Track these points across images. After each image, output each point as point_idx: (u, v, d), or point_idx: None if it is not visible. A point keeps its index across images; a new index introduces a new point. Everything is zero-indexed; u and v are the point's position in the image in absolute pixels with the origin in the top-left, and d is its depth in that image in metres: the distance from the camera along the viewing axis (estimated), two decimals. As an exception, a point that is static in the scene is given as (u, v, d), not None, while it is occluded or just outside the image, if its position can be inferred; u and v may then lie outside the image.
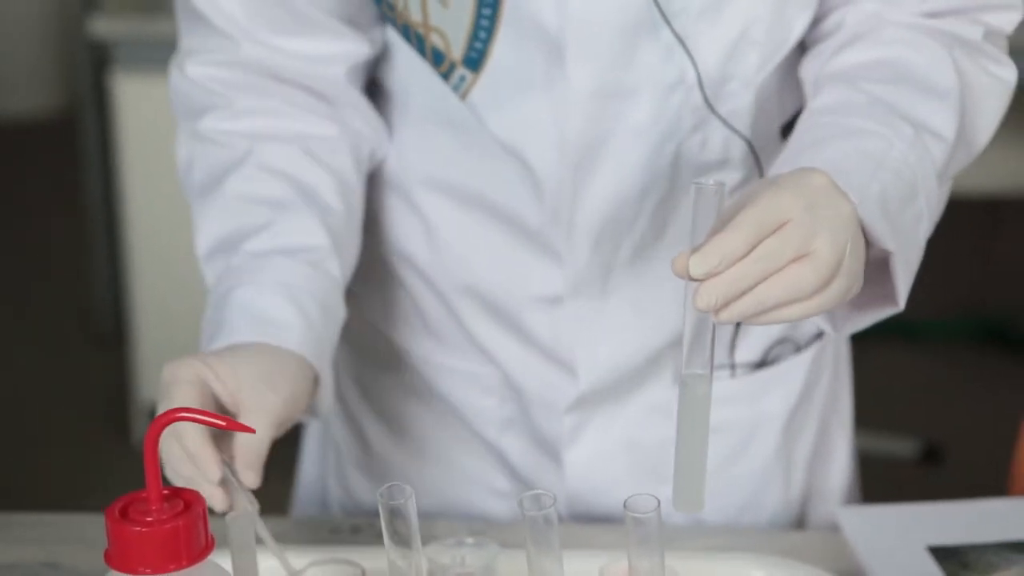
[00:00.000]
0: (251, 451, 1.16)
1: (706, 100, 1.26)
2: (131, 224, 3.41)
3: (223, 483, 1.15)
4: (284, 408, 1.18)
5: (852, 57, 1.24)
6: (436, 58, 1.28)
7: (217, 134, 1.32)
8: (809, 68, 1.28)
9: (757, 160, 1.31)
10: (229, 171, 1.30)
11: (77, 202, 4.12)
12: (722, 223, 1.04)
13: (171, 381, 1.16)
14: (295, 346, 1.22)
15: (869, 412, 2.14)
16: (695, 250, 1.02)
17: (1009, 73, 1.26)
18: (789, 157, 1.16)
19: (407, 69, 1.33)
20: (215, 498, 1.14)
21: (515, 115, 1.27)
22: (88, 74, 3.73)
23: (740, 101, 1.28)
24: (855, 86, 1.21)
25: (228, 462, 1.16)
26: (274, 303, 1.24)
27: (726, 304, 1.03)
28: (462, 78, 1.28)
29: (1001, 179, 4.57)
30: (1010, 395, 2.65)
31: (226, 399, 1.17)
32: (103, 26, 3.36)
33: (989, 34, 1.26)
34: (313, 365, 1.23)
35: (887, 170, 1.14)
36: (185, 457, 1.15)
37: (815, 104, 1.23)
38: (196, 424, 1.12)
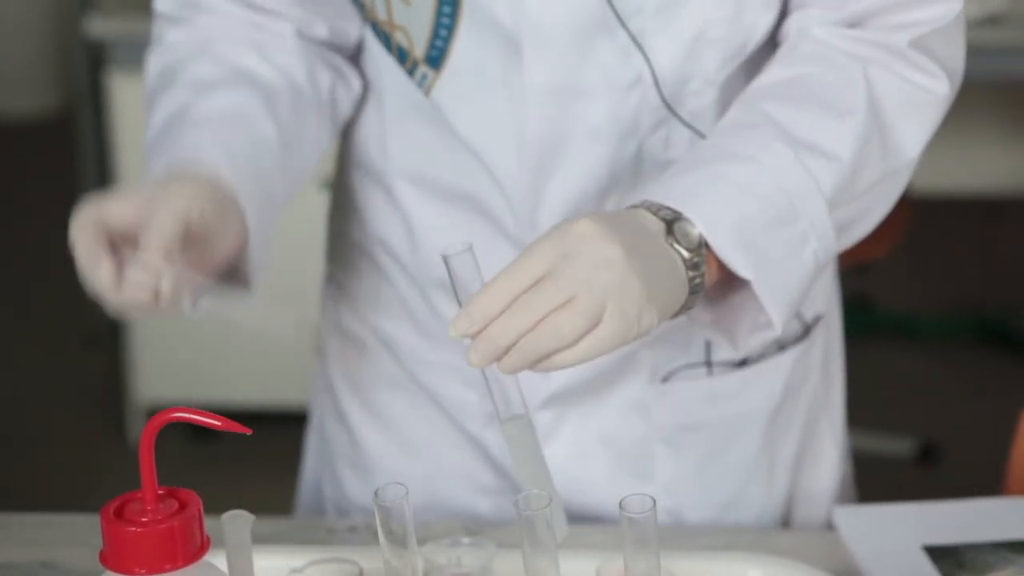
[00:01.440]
0: (157, 232, 1.14)
1: (663, 100, 1.26)
2: (128, 223, 3.41)
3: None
4: (195, 199, 1.16)
5: (769, 76, 1.25)
6: (401, 56, 1.30)
7: (176, 43, 1.35)
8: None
9: None
10: (176, 69, 1.32)
11: (74, 201, 4.10)
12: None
13: (72, 239, 1.18)
14: (221, 175, 1.22)
15: (866, 411, 2.15)
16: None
17: (937, 84, 1.25)
18: (663, 179, 1.19)
19: (381, 64, 1.34)
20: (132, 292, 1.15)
21: (476, 114, 1.29)
22: (85, 73, 3.73)
23: (703, 100, 1.28)
24: (753, 106, 1.23)
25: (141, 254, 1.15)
26: (203, 149, 1.24)
27: (495, 359, 1.08)
28: (424, 76, 1.29)
29: (1001, 179, 4.58)
30: (1008, 395, 2.65)
31: (129, 221, 1.16)
32: (100, 25, 3.36)
33: (919, 41, 1.25)
34: (237, 196, 1.22)
35: (753, 196, 1.17)
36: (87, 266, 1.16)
37: (719, 123, 1.24)
38: (84, 226, 1.15)
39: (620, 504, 1.00)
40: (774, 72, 1.25)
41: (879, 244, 3.19)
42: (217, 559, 0.98)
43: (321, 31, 1.36)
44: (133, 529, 0.91)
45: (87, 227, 1.17)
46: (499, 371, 1.09)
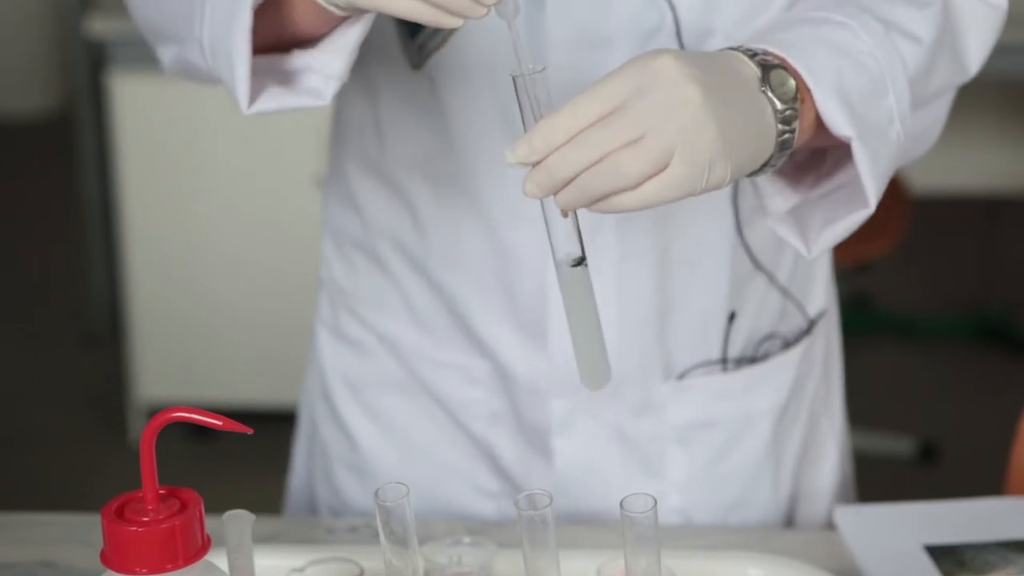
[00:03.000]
0: None
1: (683, 47, 1.24)
2: (127, 223, 3.41)
3: None
4: None
5: None
6: None
7: None
8: None
9: None
10: None
11: (73, 201, 4.11)
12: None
13: None
14: None
15: (866, 411, 2.15)
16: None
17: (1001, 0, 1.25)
18: (757, 34, 1.14)
19: (375, 54, 1.32)
20: None
21: (491, 67, 1.26)
22: (85, 73, 3.73)
23: None
24: None
25: None
26: None
27: (552, 191, 1.03)
28: (432, 34, 1.27)
29: (1001, 178, 4.58)
30: (1008, 394, 2.65)
31: None
32: (100, 25, 3.36)
33: None
34: None
35: (849, 58, 1.12)
36: None
37: (792, 11, 1.20)
38: None
39: (621, 503, 1.00)
40: None
41: (879, 243, 3.19)
42: (218, 559, 0.98)
43: None
44: (134, 529, 0.91)
45: None
46: (555, 205, 1.04)
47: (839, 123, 1.09)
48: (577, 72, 1.25)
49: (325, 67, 1.17)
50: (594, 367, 1.10)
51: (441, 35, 1.28)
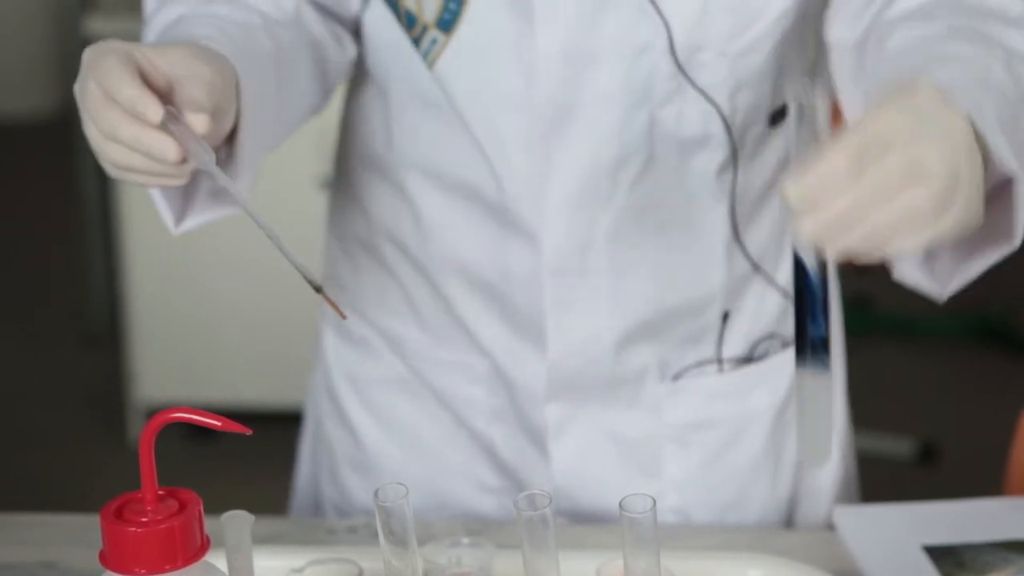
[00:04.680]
0: (195, 102, 1.09)
1: (677, 64, 1.25)
2: (126, 223, 3.41)
3: (165, 127, 1.08)
4: (220, 79, 1.12)
5: (908, 3, 1.19)
6: (409, 21, 1.29)
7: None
8: (847, 28, 1.24)
9: (731, 137, 1.30)
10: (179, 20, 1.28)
11: (72, 202, 4.11)
12: (822, 146, 0.96)
13: (96, 55, 1.10)
14: (219, 47, 1.18)
15: (866, 411, 2.14)
16: (795, 178, 0.94)
17: None
18: (886, 83, 1.10)
19: (383, 51, 1.34)
20: (163, 144, 1.07)
21: (484, 80, 1.28)
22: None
23: (716, 73, 1.27)
24: (931, 18, 1.15)
25: (171, 109, 1.09)
26: (206, 31, 1.20)
27: (832, 236, 0.95)
28: (433, 41, 1.28)
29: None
30: (1007, 394, 2.65)
31: (156, 79, 1.10)
32: (99, 26, 3.36)
33: None
34: (237, 76, 1.17)
35: (994, 89, 1.07)
36: (119, 113, 1.08)
37: (891, 45, 1.15)
38: (125, 72, 1.07)
39: (620, 504, 1.00)
40: (913, 1, 1.18)
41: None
42: (217, 559, 0.98)
43: None
44: (133, 529, 0.90)
45: (128, 71, 1.08)
46: (823, 255, 0.96)
47: (1006, 158, 1.04)
48: (566, 85, 1.25)
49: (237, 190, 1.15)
50: (819, 445, 1.03)
51: (438, 45, 1.28)
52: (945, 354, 3.97)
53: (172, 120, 1.09)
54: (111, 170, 1.13)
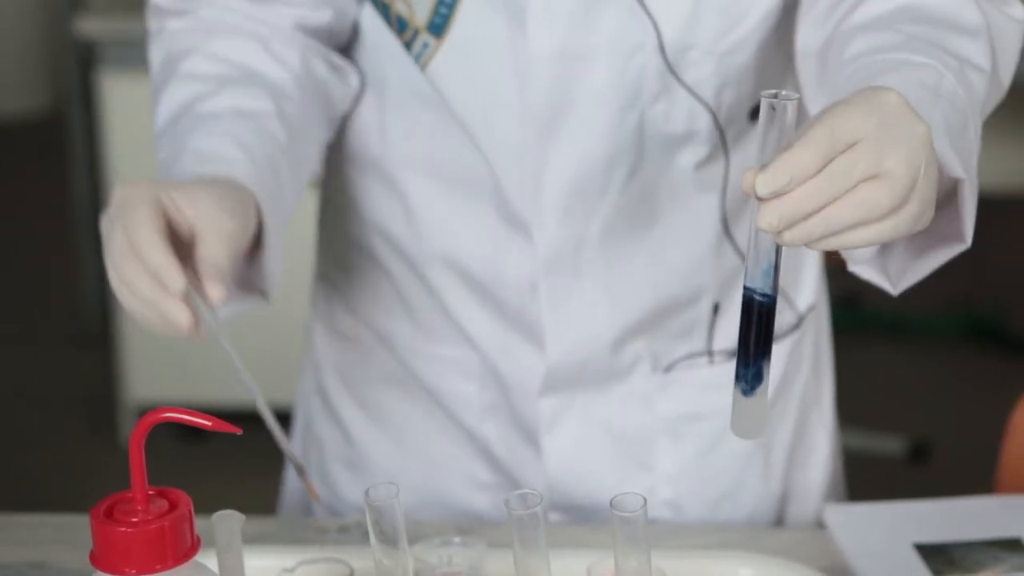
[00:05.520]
0: (214, 266, 1.14)
1: (667, 64, 1.26)
2: (118, 224, 3.41)
3: (186, 297, 1.12)
4: (241, 232, 1.17)
5: (871, 9, 1.22)
6: (400, 26, 1.30)
7: (178, 31, 1.34)
8: (811, 35, 1.26)
9: (721, 133, 1.31)
10: (182, 57, 1.31)
11: (64, 202, 4.11)
12: (790, 142, 0.99)
13: (127, 200, 1.13)
14: (244, 179, 1.21)
15: (857, 409, 2.15)
16: (763, 167, 0.98)
17: (1019, 12, 1.25)
18: (844, 91, 1.10)
19: (378, 49, 1.34)
20: (180, 313, 1.12)
21: (475, 84, 1.28)
22: (75, 73, 3.73)
23: (702, 71, 1.27)
24: (889, 28, 1.19)
25: (188, 273, 1.13)
26: (223, 145, 1.23)
27: (791, 225, 0.98)
28: (425, 45, 1.29)
29: (991, 178, 4.58)
30: (998, 393, 2.65)
31: (181, 225, 1.14)
32: (90, 25, 3.36)
33: None
34: (260, 207, 1.21)
35: (943, 99, 1.11)
36: (143, 273, 1.11)
37: (850, 52, 1.19)
38: (154, 232, 1.10)
39: (611, 503, 1.00)
40: (877, 7, 1.21)
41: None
42: (208, 559, 0.98)
43: (325, 16, 1.35)
44: (123, 529, 0.90)
45: (157, 228, 1.12)
46: (779, 240, 0.99)
47: (953, 165, 1.08)
48: (559, 85, 1.26)
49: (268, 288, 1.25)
50: (752, 423, 1.05)
51: (430, 49, 1.29)
52: (936, 352, 3.98)
53: (187, 284, 1.13)
54: (119, 295, 1.15)
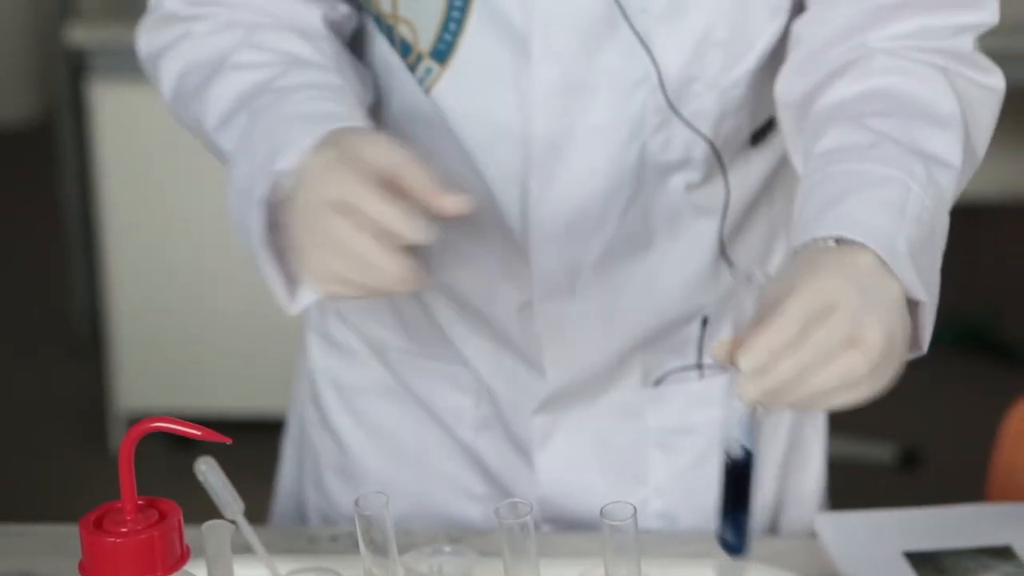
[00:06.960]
0: (434, 183, 1.11)
1: (668, 100, 1.26)
2: (108, 232, 3.41)
3: (203, 476, 1.14)
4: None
5: (846, 89, 1.23)
6: (404, 50, 1.29)
7: (207, 33, 1.30)
8: (790, 82, 1.27)
9: (720, 161, 1.31)
10: (226, 54, 1.28)
11: (54, 210, 4.10)
12: (765, 308, 1.04)
13: (325, 167, 1.12)
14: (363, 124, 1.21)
15: (846, 417, 2.14)
16: (738, 340, 1.01)
17: (998, 80, 1.26)
18: (811, 215, 1.14)
19: (382, 65, 1.33)
20: (397, 264, 1.09)
21: (478, 112, 1.28)
22: (65, 81, 3.72)
23: (704, 102, 1.28)
24: (859, 123, 1.20)
25: (210, 460, 1.15)
26: (324, 105, 1.21)
27: (775, 399, 1.03)
28: (428, 70, 1.29)
29: (982, 185, 4.59)
30: (989, 400, 2.65)
31: (383, 166, 1.12)
32: (80, 34, 3.36)
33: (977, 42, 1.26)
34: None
35: (909, 218, 1.13)
36: (360, 232, 1.09)
37: (820, 147, 1.20)
38: (373, 186, 1.09)
39: (601, 512, 1.00)
40: (854, 84, 1.22)
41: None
42: (197, 569, 0.98)
43: (343, 10, 1.33)
44: (112, 540, 0.90)
45: (369, 180, 1.10)
46: (761, 408, 1.04)
47: (916, 289, 1.11)
48: (561, 119, 1.26)
49: None
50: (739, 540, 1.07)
51: (433, 74, 1.28)
52: (927, 359, 3.95)
53: (210, 471, 1.14)
54: (317, 276, 1.14)
